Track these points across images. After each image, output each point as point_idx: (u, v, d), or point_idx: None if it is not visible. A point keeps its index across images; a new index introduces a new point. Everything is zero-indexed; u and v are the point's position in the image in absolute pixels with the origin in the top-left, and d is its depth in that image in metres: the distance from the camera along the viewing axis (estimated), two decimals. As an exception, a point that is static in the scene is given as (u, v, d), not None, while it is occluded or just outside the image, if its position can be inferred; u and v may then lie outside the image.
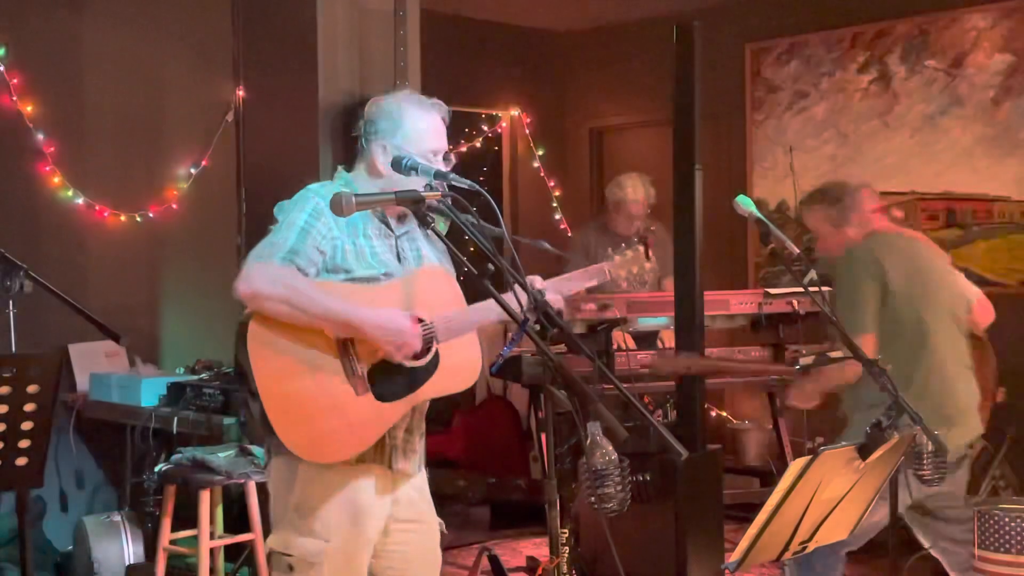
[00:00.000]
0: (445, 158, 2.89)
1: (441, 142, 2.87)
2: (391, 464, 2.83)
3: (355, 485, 2.80)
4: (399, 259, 2.85)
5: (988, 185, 5.95)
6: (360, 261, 2.77)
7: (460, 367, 2.86)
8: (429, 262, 2.92)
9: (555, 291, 2.88)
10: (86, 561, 4.73)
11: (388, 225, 2.86)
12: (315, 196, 2.77)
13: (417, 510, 2.95)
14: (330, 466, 2.75)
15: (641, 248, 3.11)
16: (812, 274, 3.30)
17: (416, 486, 2.96)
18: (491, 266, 2.71)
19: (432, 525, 3.00)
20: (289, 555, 2.77)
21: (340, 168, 2.96)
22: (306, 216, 2.73)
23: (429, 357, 2.79)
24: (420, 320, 2.77)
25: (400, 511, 2.90)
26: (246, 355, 2.64)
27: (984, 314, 3.95)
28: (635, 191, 5.76)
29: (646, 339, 5.52)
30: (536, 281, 2.83)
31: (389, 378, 2.75)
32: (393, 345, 2.70)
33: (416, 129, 2.84)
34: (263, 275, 2.65)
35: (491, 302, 2.80)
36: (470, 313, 2.84)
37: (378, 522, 2.86)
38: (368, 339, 2.69)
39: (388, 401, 2.74)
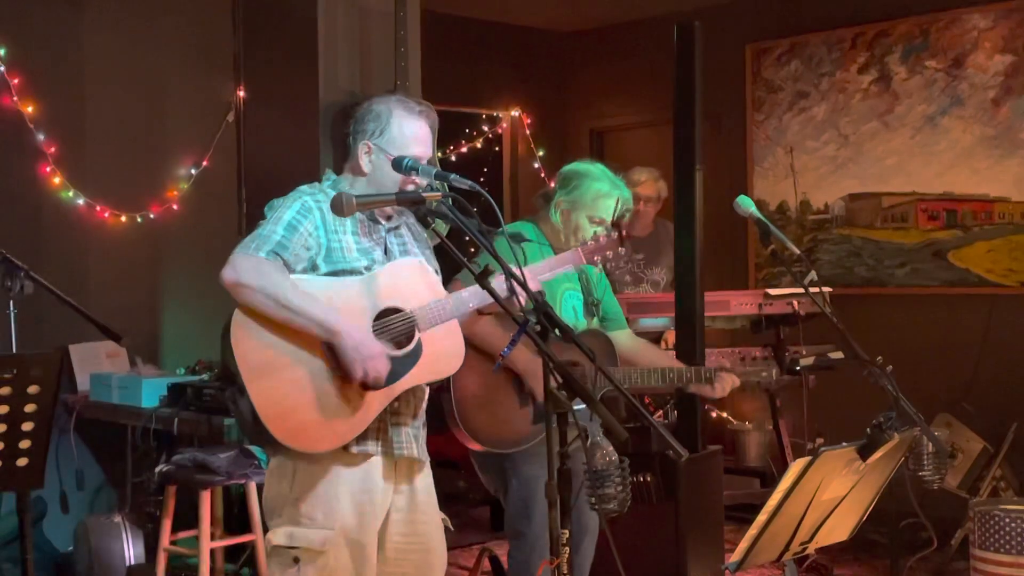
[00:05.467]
0: (430, 164, 2.90)
1: (426, 149, 2.88)
2: (392, 451, 2.85)
3: (357, 472, 2.81)
4: (385, 252, 2.89)
5: (988, 186, 5.95)
6: (346, 256, 2.80)
7: (443, 354, 2.88)
8: (413, 255, 2.95)
9: (533, 278, 2.90)
10: (87, 562, 4.73)
11: (376, 220, 2.89)
12: (304, 196, 2.83)
13: (421, 509, 2.95)
14: (331, 456, 2.77)
15: (615, 234, 3.07)
16: (812, 275, 3.30)
17: (423, 485, 2.97)
18: (489, 266, 2.72)
19: (436, 523, 3.00)
20: (294, 548, 2.78)
21: (328, 170, 3.00)
22: (294, 212, 2.78)
23: (412, 346, 2.81)
24: (398, 310, 2.80)
25: (402, 501, 2.91)
26: (231, 350, 2.67)
27: None
28: (647, 187, 5.59)
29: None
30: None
31: None
32: (357, 362, 2.69)
33: (402, 133, 2.86)
34: (249, 266, 2.69)
35: (469, 291, 2.84)
36: (450, 301, 2.86)
37: (383, 505, 2.86)
38: (336, 348, 2.70)
39: (371, 390, 2.75)
